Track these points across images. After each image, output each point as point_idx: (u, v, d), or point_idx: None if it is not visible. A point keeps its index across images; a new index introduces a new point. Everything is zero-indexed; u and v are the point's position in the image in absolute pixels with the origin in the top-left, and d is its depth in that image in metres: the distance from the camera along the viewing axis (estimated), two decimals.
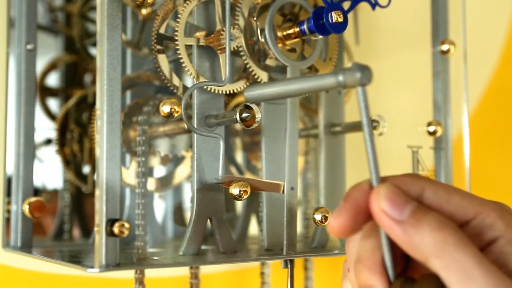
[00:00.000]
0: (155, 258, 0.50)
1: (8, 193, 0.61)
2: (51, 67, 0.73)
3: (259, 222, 0.66)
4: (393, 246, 0.35)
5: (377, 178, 0.35)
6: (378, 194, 0.34)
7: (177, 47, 0.49)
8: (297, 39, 0.51)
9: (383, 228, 0.34)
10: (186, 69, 0.49)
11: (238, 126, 0.47)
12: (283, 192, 0.49)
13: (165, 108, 0.47)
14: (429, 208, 0.35)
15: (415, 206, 0.34)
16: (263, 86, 0.43)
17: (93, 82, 0.73)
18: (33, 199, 0.58)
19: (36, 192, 0.71)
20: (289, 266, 0.50)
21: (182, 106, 0.48)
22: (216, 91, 0.50)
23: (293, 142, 0.50)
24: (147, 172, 0.55)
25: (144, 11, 0.63)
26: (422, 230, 0.33)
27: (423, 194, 0.36)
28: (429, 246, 0.33)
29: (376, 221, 0.35)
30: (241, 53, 0.50)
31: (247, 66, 0.51)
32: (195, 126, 0.49)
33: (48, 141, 0.70)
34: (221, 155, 0.48)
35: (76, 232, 0.71)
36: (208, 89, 0.49)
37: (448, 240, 0.33)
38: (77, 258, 0.52)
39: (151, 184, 0.63)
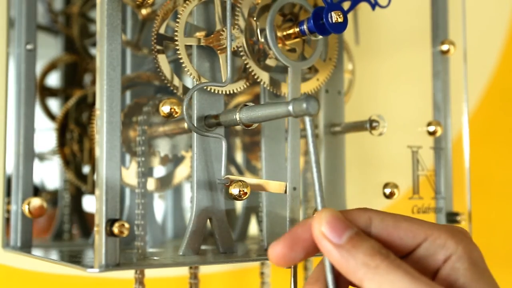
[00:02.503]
0: (155, 258, 0.50)
1: (8, 193, 0.61)
2: (51, 67, 0.73)
3: (259, 222, 0.66)
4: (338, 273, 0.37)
5: (321, 203, 0.37)
6: (319, 218, 0.37)
7: (177, 47, 0.49)
8: (297, 39, 0.51)
9: (322, 250, 0.37)
10: (186, 69, 0.49)
11: (238, 126, 0.47)
12: (285, 192, 0.49)
13: (165, 108, 0.47)
14: (369, 237, 0.37)
15: (353, 232, 0.37)
16: (253, 109, 0.45)
17: (93, 82, 0.73)
18: (33, 199, 0.58)
19: (36, 192, 0.71)
20: (292, 266, 0.50)
21: (184, 107, 0.48)
22: (216, 91, 0.50)
23: (295, 143, 0.50)
24: (147, 172, 0.55)
25: (144, 11, 0.63)
26: (357, 255, 0.36)
27: (371, 224, 0.39)
28: (362, 271, 0.35)
29: (317, 244, 0.37)
30: (241, 53, 0.50)
31: (247, 66, 0.51)
32: (196, 126, 0.49)
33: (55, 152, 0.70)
34: (223, 155, 0.48)
35: (76, 232, 0.71)
36: (208, 89, 0.49)
37: (380, 266, 0.35)
38: (77, 258, 0.52)
39: (151, 184, 0.63)
